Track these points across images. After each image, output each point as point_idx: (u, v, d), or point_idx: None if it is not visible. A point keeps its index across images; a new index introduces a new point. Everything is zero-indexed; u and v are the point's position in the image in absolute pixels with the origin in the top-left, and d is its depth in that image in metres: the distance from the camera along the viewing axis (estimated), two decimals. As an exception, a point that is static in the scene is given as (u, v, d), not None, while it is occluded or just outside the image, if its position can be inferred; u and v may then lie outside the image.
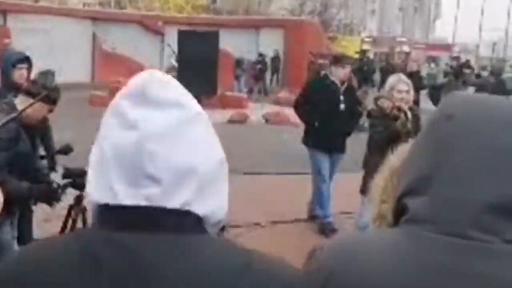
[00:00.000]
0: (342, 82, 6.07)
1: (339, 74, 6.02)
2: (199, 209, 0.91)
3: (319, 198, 6.14)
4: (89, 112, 12.66)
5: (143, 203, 0.89)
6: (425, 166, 0.88)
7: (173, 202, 0.89)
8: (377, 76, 25.83)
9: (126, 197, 0.89)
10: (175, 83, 0.99)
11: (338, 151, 6.17)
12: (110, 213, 0.90)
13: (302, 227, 6.28)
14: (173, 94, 0.95)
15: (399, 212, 0.91)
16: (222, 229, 1.01)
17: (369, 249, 0.90)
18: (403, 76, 5.16)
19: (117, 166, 0.90)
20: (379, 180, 1.09)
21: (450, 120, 0.88)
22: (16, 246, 3.82)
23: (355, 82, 18.25)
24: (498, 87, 11.96)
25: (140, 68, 22.04)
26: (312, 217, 6.35)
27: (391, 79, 5.08)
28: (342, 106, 6.01)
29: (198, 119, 0.95)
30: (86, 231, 1.06)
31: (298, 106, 6.36)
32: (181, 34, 6.41)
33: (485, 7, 54.17)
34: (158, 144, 0.89)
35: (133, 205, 0.89)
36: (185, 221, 0.90)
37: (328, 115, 5.94)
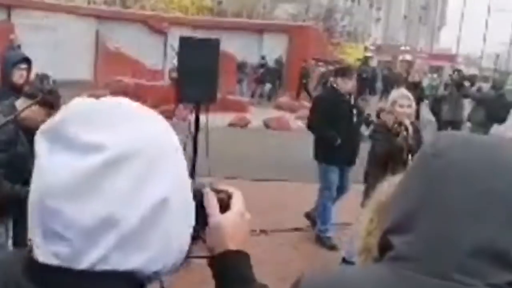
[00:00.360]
0: (349, 94, 6.05)
1: (347, 87, 6.00)
2: (121, 265, 0.79)
3: (322, 213, 6.12)
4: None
5: (54, 262, 0.79)
6: (411, 203, 0.88)
7: (85, 263, 0.78)
8: (379, 85, 25.83)
9: (40, 252, 0.80)
10: (115, 111, 0.82)
11: (350, 164, 6.12)
12: (33, 263, 0.82)
13: (299, 236, 6.27)
14: (95, 133, 0.78)
15: (384, 248, 0.91)
16: None
17: (352, 286, 0.90)
18: (405, 91, 5.21)
19: (32, 214, 0.81)
20: (366, 213, 1.08)
21: (438, 158, 0.88)
22: (11, 249, 3.81)
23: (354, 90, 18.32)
24: (498, 100, 11.92)
25: (142, 68, 22.16)
26: (313, 224, 6.31)
27: (394, 94, 5.14)
28: (355, 119, 6.01)
29: (125, 161, 0.78)
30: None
31: (314, 126, 6.24)
32: (182, 40, 6.37)
33: (489, 19, 54.24)
34: (62, 200, 0.77)
35: (44, 263, 0.80)
36: (100, 282, 0.79)
37: (343, 129, 5.89)
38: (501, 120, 11.79)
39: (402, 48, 44.96)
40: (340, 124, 5.90)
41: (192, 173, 6.05)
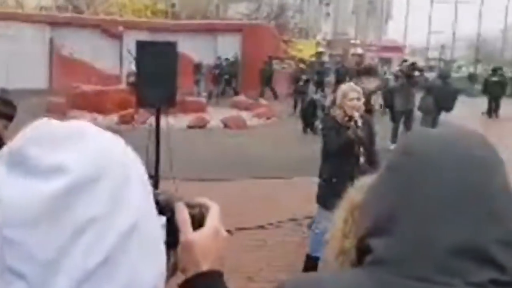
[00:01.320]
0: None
1: (371, 85, 5.95)
2: None
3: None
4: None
5: None
6: (388, 206, 0.85)
7: None
8: (332, 79, 26.08)
9: None
10: (76, 134, 0.75)
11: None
12: None
13: (265, 234, 6.31)
14: (57, 156, 0.70)
15: (363, 252, 0.88)
16: None
17: None
18: (353, 84, 5.21)
19: None
20: (340, 214, 1.05)
21: (411, 158, 0.85)
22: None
23: (312, 87, 18.41)
24: (444, 88, 12.29)
25: (99, 73, 21.82)
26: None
27: (343, 87, 5.09)
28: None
29: (90, 184, 0.71)
30: None
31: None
32: (139, 45, 6.28)
33: (433, 11, 55.44)
34: (19, 230, 0.68)
35: None
36: None
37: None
38: (448, 107, 12.14)
39: (352, 41, 45.50)
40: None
41: (156, 178, 6.05)
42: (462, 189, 0.81)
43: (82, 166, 0.70)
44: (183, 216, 0.92)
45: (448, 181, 0.81)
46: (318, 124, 13.59)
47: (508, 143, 10.91)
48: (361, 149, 4.83)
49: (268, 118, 16.43)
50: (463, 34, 56.40)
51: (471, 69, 39.77)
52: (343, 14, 60.08)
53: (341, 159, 4.78)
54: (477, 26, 51.09)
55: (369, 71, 6.06)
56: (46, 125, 0.75)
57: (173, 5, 35.39)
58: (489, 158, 0.85)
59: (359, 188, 1.04)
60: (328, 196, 4.91)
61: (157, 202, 0.85)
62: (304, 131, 14.03)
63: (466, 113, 17.49)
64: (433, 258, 0.79)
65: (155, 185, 5.92)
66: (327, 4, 57.71)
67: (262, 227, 6.48)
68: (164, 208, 0.88)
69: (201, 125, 14.55)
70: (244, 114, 16.33)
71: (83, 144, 0.73)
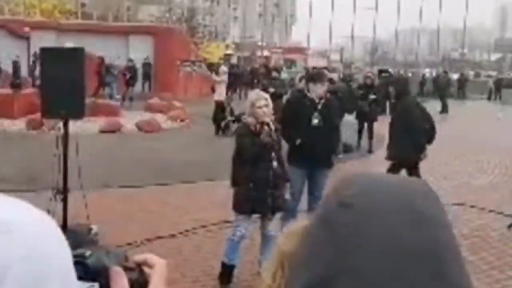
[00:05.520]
0: (320, 98, 5.82)
1: (319, 91, 5.84)
2: None
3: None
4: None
5: None
6: (324, 266, 0.71)
7: None
8: (246, 79, 26.09)
9: None
10: None
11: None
12: None
13: (179, 243, 6.01)
14: None
15: None
16: None
17: None
18: (261, 92, 5.22)
19: None
20: (268, 266, 0.89)
21: (348, 210, 0.71)
22: None
23: (231, 90, 18.20)
24: (348, 91, 12.49)
25: (5, 76, 20.36)
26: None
27: (251, 96, 5.10)
28: (316, 120, 5.75)
29: None
30: None
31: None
32: (44, 51, 5.74)
33: (334, 15, 57.21)
34: None
35: None
36: None
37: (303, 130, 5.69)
38: (351, 110, 12.35)
39: (259, 44, 45.99)
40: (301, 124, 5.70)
41: (65, 192, 5.57)
42: (404, 254, 0.67)
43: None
44: (119, 284, 0.72)
45: (393, 240, 0.67)
46: (229, 126, 13.53)
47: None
48: (273, 153, 4.82)
49: (182, 121, 16.02)
50: (360, 38, 58.75)
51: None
52: (250, 17, 60.63)
53: (256, 164, 4.76)
54: (372, 31, 53.36)
55: (318, 78, 5.97)
56: None
57: (83, 5, 34.04)
58: (436, 213, 0.72)
59: (288, 236, 0.87)
60: (244, 202, 4.88)
61: (86, 266, 0.67)
62: (216, 133, 13.81)
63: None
64: None
65: (64, 199, 5.46)
66: (235, 8, 57.99)
67: (174, 236, 6.15)
68: (96, 273, 0.69)
69: (114, 129, 13.87)
70: (159, 117, 15.84)
71: None
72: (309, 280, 0.73)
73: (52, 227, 0.60)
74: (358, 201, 0.71)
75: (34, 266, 0.53)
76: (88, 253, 0.70)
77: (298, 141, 5.70)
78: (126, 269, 0.74)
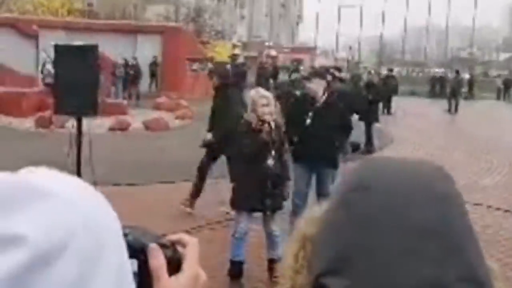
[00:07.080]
0: (318, 97, 5.77)
1: (313, 88, 5.84)
2: None
3: (293, 209, 5.63)
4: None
5: None
6: (344, 244, 0.76)
7: None
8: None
9: None
10: (26, 190, 0.56)
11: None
12: None
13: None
14: (12, 221, 0.54)
15: None
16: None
17: None
18: (262, 91, 5.25)
19: None
20: (290, 248, 0.93)
21: (366, 192, 0.75)
22: None
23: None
24: (356, 92, 12.54)
25: (14, 74, 20.49)
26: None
27: (253, 94, 5.10)
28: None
29: (55, 257, 0.55)
30: None
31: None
32: (58, 48, 5.80)
33: (341, 15, 57.12)
34: None
35: None
36: None
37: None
38: (357, 111, 12.36)
39: (267, 44, 45.96)
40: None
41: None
42: (420, 231, 0.71)
43: (40, 233, 0.54)
44: (158, 260, 0.76)
45: (409, 219, 0.72)
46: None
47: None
48: (272, 151, 4.85)
49: (189, 119, 16.10)
50: (367, 37, 58.64)
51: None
52: (258, 17, 60.61)
53: (254, 162, 4.82)
54: (379, 30, 53.21)
55: (313, 75, 6.03)
56: None
57: (90, 4, 34.18)
58: (451, 193, 0.77)
59: (310, 221, 0.91)
60: (241, 199, 4.93)
61: (126, 243, 0.68)
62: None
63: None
64: None
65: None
66: (242, 7, 57.97)
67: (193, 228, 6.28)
68: (135, 250, 0.72)
69: (122, 127, 13.97)
70: (166, 116, 15.92)
71: (41, 205, 0.55)
72: (329, 258, 0.77)
73: (104, 201, 0.65)
74: (375, 183, 0.76)
75: (95, 234, 0.59)
76: (127, 230, 0.72)
77: (295, 139, 5.68)
78: (162, 246, 0.78)
